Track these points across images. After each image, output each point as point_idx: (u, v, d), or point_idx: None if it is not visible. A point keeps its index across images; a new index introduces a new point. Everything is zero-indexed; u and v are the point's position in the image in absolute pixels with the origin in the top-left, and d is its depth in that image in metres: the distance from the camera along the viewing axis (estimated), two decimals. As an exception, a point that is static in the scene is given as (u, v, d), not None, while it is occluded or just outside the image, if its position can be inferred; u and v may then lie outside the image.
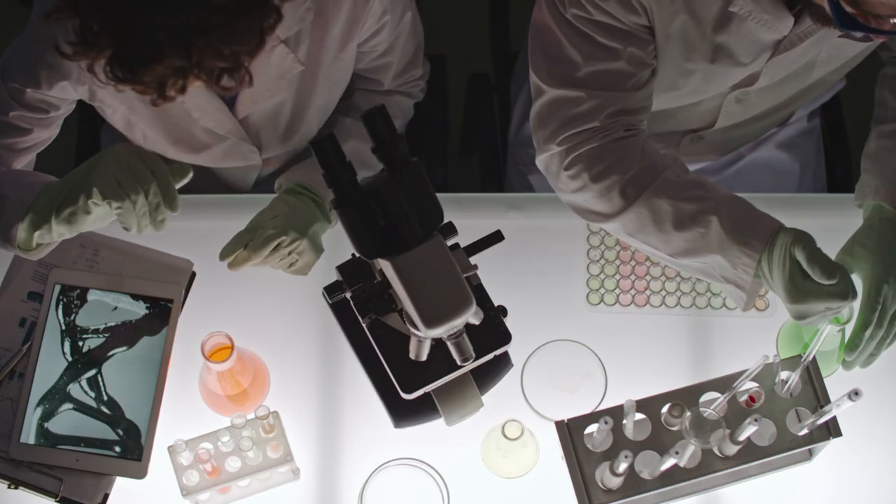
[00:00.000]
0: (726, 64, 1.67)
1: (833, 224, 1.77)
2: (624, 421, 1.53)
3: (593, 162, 1.65)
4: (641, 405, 1.55)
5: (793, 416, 1.56)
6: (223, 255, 1.65)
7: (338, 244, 1.75)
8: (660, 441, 1.55)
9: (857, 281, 1.65)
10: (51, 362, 1.73)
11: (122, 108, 1.74)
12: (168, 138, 1.79)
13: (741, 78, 1.74)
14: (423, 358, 1.50)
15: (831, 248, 1.70)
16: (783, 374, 1.57)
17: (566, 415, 1.57)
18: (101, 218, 1.55)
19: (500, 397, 1.68)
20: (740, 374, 1.51)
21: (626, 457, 1.43)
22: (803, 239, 1.53)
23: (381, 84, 1.87)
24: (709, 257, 1.61)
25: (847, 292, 1.51)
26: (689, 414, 1.51)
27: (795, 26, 1.60)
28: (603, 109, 1.65)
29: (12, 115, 1.66)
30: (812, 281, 1.52)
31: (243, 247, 1.64)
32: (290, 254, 1.68)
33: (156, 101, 1.40)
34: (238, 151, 1.83)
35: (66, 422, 1.71)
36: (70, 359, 1.74)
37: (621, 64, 1.63)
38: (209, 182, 1.98)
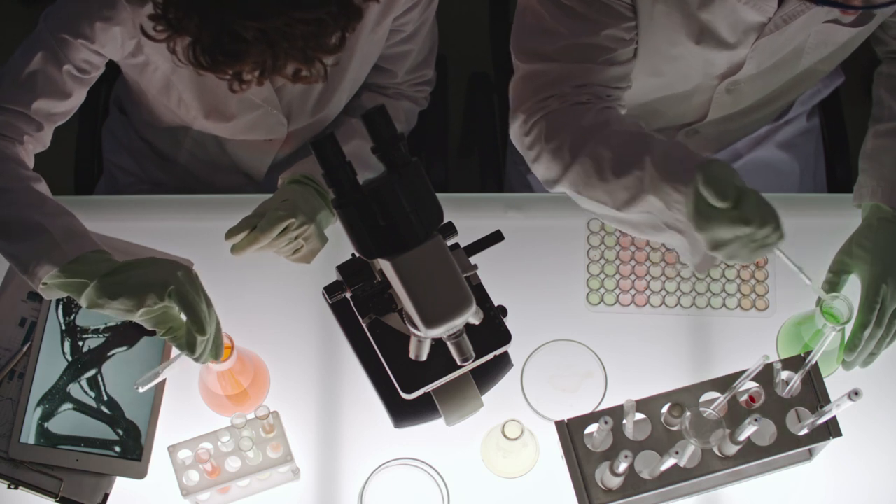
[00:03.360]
0: (710, 44, 1.67)
1: (833, 224, 1.77)
2: (624, 421, 1.53)
3: (550, 125, 1.66)
4: (641, 405, 1.55)
5: (793, 416, 1.56)
6: (229, 236, 1.65)
7: (338, 244, 1.75)
8: (660, 441, 1.55)
9: (856, 282, 1.66)
10: (51, 362, 1.73)
11: (165, 67, 1.73)
12: (202, 103, 1.80)
13: (727, 63, 1.74)
14: (423, 358, 1.50)
15: (831, 248, 1.71)
16: (783, 375, 1.57)
17: (566, 415, 1.57)
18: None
19: (500, 397, 1.68)
20: (740, 374, 1.51)
21: (626, 457, 1.43)
22: (710, 165, 1.47)
23: (394, 75, 1.88)
24: (647, 202, 1.58)
25: (750, 218, 1.44)
26: (689, 414, 1.51)
27: (780, 8, 1.60)
28: (572, 79, 1.66)
29: (65, 69, 1.63)
30: (714, 206, 1.46)
31: (250, 229, 1.64)
32: (296, 238, 1.68)
33: (233, 85, 1.42)
34: (266, 122, 1.85)
35: (66, 422, 1.71)
36: (70, 359, 1.74)
37: (598, 38, 1.64)
38: (224, 168, 1.98)
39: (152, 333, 1.75)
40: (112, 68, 1.75)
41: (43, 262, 1.53)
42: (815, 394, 1.57)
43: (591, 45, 1.65)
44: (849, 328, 1.61)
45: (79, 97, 1.70)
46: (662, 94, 1.87)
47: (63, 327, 1.76)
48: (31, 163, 1.68)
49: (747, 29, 1.65)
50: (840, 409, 1.45)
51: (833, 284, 1.69)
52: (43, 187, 1.64)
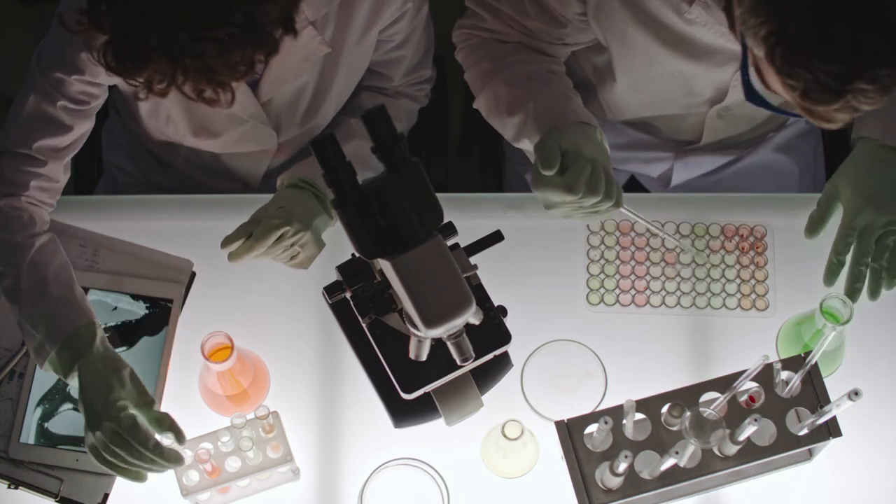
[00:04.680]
0: (686, 54, 1.68)
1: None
2: (624, 421, 1.53)
3: (470, 52, 1.78)
4: (641, 405, 1.55)
5: (793, 416, 1.56)
6: (225, 244, 1.65)
7: (338, 244, 1.75)
8: (660, 441, 1.55)
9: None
10: (51, 362, 1.73)
11: None
12: (190, 122, 1.81)
13: (711, 87, 1.76)
14: (423, 358, 1.50)
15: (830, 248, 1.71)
16: (783, 375, 1.57)
17: (566, 415, 1.57)
18: None
19: (500, 397, 1.67)
20: (740, 374, 1.51)
21: (626, 457, 1.43)
22: (552, 130, 1.57)
23: (390, 80, 1.88)
24: (526, 143, 1.67)
25: (574, 187, 1.52)
26: (689, 414, 1.51)
27: None
28: (497, 33, 1.76)
29: (59, 104, 1.67)
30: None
31: (246, 237, 1.65)
32: (292, 245, 1.68)
33: (139, 93, 1.43)
34: (256, 135, 1.85)
35: (66, 422, 1.71)
36: (70, 359, 1.74)
37: (527, 21, 1.72)
38: (220, 175, 1.98)
39: (152, 333, 1.76)
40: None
41: (41, 360, 1.63)
42: (815, 394, 1.57)
43: (518, 21, 1.73)
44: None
45: (82, 127, 1.72)
46: (652, 113, 1.92)
47: (63, 327, 1.75)
48: (39, 208, 1.72)
49: (727, 56, 1.67)
50: (840, 409, 1.45)
51: (822, 214, 1.76)
52: (40, 246, 1.68)
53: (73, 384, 1.61)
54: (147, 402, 1.59)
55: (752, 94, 1.43)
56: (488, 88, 1.74)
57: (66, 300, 1.64)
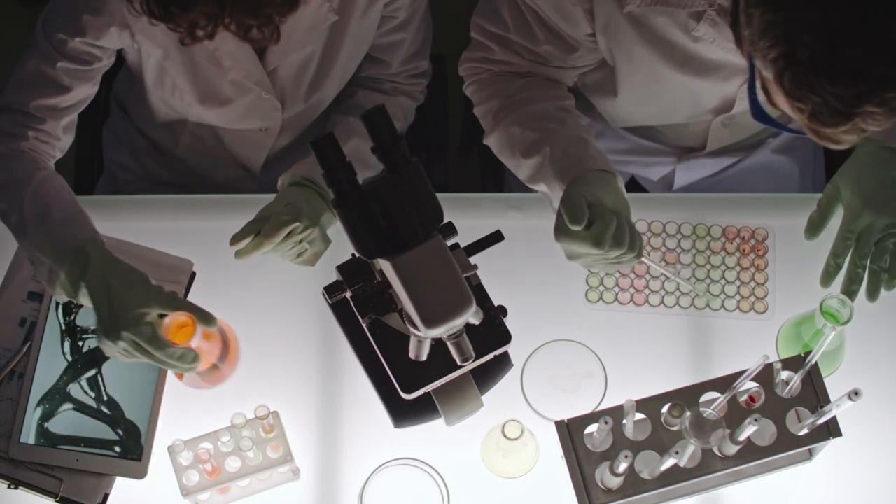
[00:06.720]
0: (694, 70, 1.69)
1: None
2: (624, 421, 1.53)
3: (480, 89, 1.79)
4: (641, 405, 1.55)
5: (793, 416, 1.56)
6: (234, 240, 1.66)
7: (338, 244, 1.75)
8: (660, 441, 1.55)
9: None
10: (51, 362, 1.73)
11: (156, 54, 1.77)
12: (196, 88, 1.82)
13: (718, 98, 1.77)
14: (423, 358, 1.50)
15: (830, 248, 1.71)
16: (783, 375, 1.57)
17: (566, 415, 1.57)
18: None
19: (500, 397, 1.68)
20: (740, 374, 1.51)
21: (626, 457, 1.43)
22: (576, 182, 1.57)
23: (388, 66, 1.89)
24: (543, 186, 1.68)
25: (600, 241, 1.52)
26: (689, 414, 1.51)
27: None
28: (507, 65, 1.76)
29: (59, 66, 1.68)
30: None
31: (255, 234, 1.65)
32: (301, 241, 1.69)
33: (184, 39, 1.44)
34: (260, 108, 1.86)
35: (66, 422, 1.71)
36: (70, 359, 1.74)
37: (538, 48, 1.72)
38: (222, 161, 1.99)
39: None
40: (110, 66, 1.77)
41: (52, 285, 1.62)
42: (815, 394, 1.57)
43: (529, 49, 1.72)
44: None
45: (83, 90, 1.74)
46: (657, 122, 1.93)
47: (63, 327, 1.76)
48: (40, 155, 1.73)
49: (734, 70, 1.68)
50: (840, 409, 1.45)
51: (822, 216, 1.79)
52: (42, 178, 1.69)
53: (85, 301, 1.59)
54: (162, 300, 1.58)
55: (758, 113, 1.43)
56: (501, 128, 1.74)
57: (70, 220, 1.64)
